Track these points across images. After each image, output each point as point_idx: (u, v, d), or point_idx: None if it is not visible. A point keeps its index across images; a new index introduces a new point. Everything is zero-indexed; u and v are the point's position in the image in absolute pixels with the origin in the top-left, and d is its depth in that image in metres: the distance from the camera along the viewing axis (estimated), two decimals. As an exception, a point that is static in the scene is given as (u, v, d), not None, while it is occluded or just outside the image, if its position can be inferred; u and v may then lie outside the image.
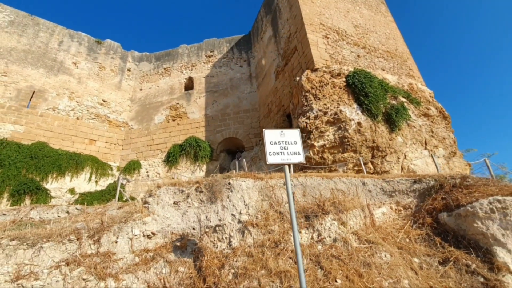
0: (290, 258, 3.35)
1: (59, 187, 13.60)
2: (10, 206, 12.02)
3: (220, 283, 3.05)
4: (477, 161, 9.61)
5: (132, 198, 13.71)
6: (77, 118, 15.81)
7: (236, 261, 3.32)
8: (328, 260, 3.40)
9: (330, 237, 3.83)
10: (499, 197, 3.82)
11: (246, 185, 4.21)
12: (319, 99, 10.64)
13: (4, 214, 8.33)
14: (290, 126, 12.23)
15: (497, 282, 3.20)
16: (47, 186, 13.15)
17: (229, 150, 16.85)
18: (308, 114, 10.43)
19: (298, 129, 3.13)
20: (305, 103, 10.75)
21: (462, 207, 4.08)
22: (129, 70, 19.22)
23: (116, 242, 3.28)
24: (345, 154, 9.71)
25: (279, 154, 2.89)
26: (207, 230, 3.77)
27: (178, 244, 3.50)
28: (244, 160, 9.02)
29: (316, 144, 9.88)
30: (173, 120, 17.14)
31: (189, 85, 18.69)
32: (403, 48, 15.94)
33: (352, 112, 10.33)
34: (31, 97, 14.91)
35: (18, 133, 13.82)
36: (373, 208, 4.81)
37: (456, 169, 10.88)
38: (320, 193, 4.63)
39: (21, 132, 13.91)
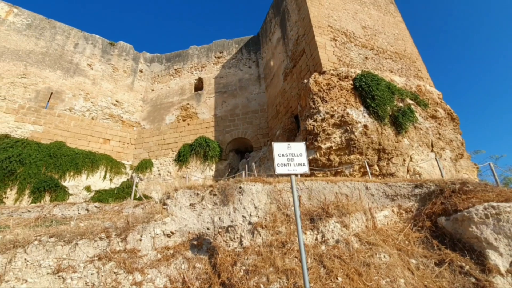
0: (295, 257, 3.70)
1: (76, 184, 14.27)
2: (32, 202, 12.74)
3: (233, 279, 3.41)
4: (483, 164, 9.70)
5: (145, 196, 14.27)
6: (92, 118, 16.45)
7: (247, 259, 3.68)
8: (330, 259, 3.73)
9: (333, 238, 4.15)
10: (494, 203, 4.06)
11: (255, 189, 4.56)
12: (326, 101, 10.87)
13: (29, 211, 8.95)
14: (297, 128, 12.49)
15: (487, 283, 3.47)
16: (65, 183, 13.82)
17: (238, 149, 17.23)
18: (315, 116, 10.68)
19: (304, 142, 3.44)
20: (313, 106, 11.00)
21: (459, 212, 4.33)
22: (141, 71, 19.78)
23: (141, 240, 3.68)
24: (352, 156, 9.94)
25: (286, 165, 3.22)
26: (220, 230, 4.14)
27: (194, 242, 3.88)
28: (254, 163, 9.36)
29: (323, 146, 10.14)
30: (184, 120, 17.62)
31: (199, 86, 19.12)
32: (412, 49, 15.94)
33: (358, 115, 10.53)
34: (49, 98, 15.60)
35: (38, 133, 14.53)
36: (375, 211, 5.09)
37: (463, 171, 10.98)
38: (325, 197, 4.94)
39: (40, 132, 14.61)
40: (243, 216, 4.26)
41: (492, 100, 51.83)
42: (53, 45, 16.91)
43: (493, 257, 3.69)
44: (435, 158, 8.66)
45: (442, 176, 7.49)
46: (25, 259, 3.33)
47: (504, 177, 14.56)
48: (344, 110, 10.54)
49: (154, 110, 18.54)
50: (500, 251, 3.70)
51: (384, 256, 3.96)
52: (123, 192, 14.89)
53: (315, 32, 12.60)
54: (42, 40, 16.68)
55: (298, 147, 3.30)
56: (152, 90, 19.46)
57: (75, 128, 15.71)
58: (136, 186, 14.75)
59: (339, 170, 9.83)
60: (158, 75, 19.97)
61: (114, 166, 15.92)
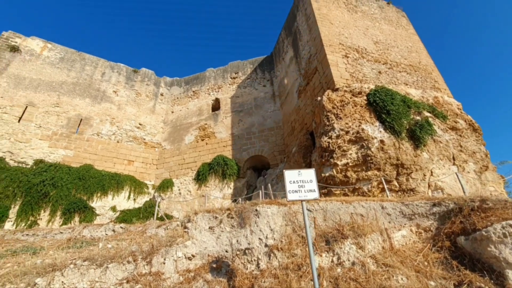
0: (311, 280, 3.78)
1: (103, 205, 15.00)
2: (62, 223, 13.53)
3: (251, 301, 3.56)
4: (510, 176, 9.30)
5: (167, 215, 14.72)
6: (118, 141, 17.43)
7: (263, 282, 3.82)
8: (346, 282, 3.79)
9: (348, 260, 4.20)
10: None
11: (271, 211, 4.74)
12: (340, 118, 10.97)
13: (61, 233, 9.57)
14: (313, 144, 12.59)
15: (509, 306, 3.38)
16: (93, 204, 14.59)
17: (255, 167, 17.47)
18: (330, 133, 10.78)
19: (313, 169, 3.63)
20: (327, 123, 11.13)
21: (478, 231, 4.25)
22: (161, 94, 20.88)
23: (164, 263, 3.94)
24: (369, 172, 9.86)
25: (297, 192, 3.41)
26: (238, 252, 4.33)
27: (214, 265, 4.08)
28: (271, 182, 9.52)
29: (339, 163, 10.16)
30: (202, 140, 18.21)
31: (216, 106, 19.82)
32: (427, 60, 15.80)
33: (374, 130, 10.51)
34: (79, 124, 16.79)
35: (68, 157, 15.58)
36: (392, 231, 5.08)
37: (488, 184, 10.51)
38: (340, 218, 5.02)
39: (71, 156, 15.67)
40: (259, 238, 4.42)
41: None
42: (82, 75, 18.36)
43: (515, 279, 3.59)
44: (456, 173, 8.42)
45: (464, 192, 7.30)
46: (62, 281, 3.68)
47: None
48: (359, 126, 10.57)
49: (174, 131, 19.35)
50: (522, 273, 3.60)
51: (402, 278, 3.95)
52: (146, 212, 15.46)
53: (326, 50, 12.90)
54: (73, 71, 18.17)
55: (308, 174, 3.49)
56: (172, 112, 20.40)
57: (102, 151, 16.69)
58: (158, 206, 15.27)
59: (357, 187, 9.76)
60: (177, 98, 20.96)
61: (137, 186, 16.63)
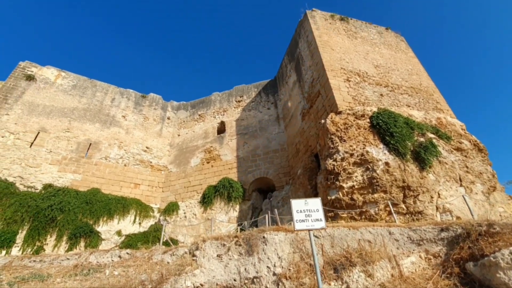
0: (320, 310, 3.76)
1: (108, 229, 14.98)
2: (68, 248, 13.49)
3: (260, 333, 3.54)
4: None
5: (172, 240, 14.59)
6: (125, 165, 17.70)
7: (273, 312, 3.81)
8: (356, 312, 3.75)
9: (357, 289, 4.17)
10: (522, 249, 3.96)
11: (278, 239, 4.78)
12: (344, 141, 11.12)
13: (67, 259, 9.56)
14: (318, 166, 12.66)
15: None
16: (98, 228, 14.59)
17: (261, 189, 17.44)
18: (334, 156, 10.89)
19: (319, 198, 3.73)
20: (331, 146, 11.27)
21: (486, 257, 4.22)
22: (168, 118, 21.42)
23: (173, 293, 3.98)
24: (375, 195, 9.83)
25: (304, 221, 3.49)
26: (246, 281, 4.33)
27: (222, 294, 4.10)
28: (277, 204, 9.53)
29: (344, 185, 10.18)
30: (208, 163, 18.39)
31: (221, 129, 20.19)
32: (428, 82, 16.12)
33: (379, 152, 10.60)
34: (88, 149, 17.18)
35: (77, 181, 15.82)
36: (401, 257, 5.05)
37: (497, 205, 10.35)
38: (347, 244, 5.02)
39: (79, 180, 15.90)
40: (267, 266, 4.44)
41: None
42: (93, 101, 19.05)
43: (529, 309, 3.53)
44: (463, 196, 8.37)
45: (472, 215, 7.24)
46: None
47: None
48: (364, 148, 10.68)
49: (180, 154, 19.62)
50: (536, 302, 3.54)
51: (412, 308, 3.90)
52: (151, 236, 15.35)
53: (328, 75, 13.32)
54: (84, 98, 18.88)
55: (315, 203, 3.59)
56: (178, 135, 20.80)
57: (110, 174, 16.93)
58: (164, 231, 15.21)
59: (363, 210, 9.70)
60: (184, 121, 21.46)
61: (143, 210, 16.64)
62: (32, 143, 15.63)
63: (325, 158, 11.35)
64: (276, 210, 8.64)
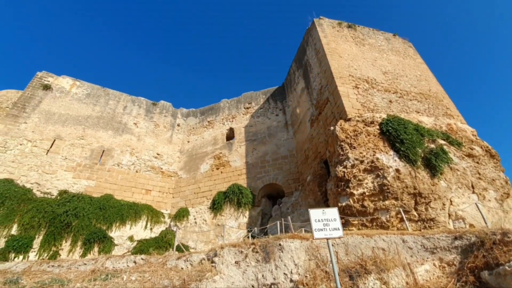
0: (338, 316, 3.87)
1: (121, 235, 15.27)
2: (82, 253, 13.81)
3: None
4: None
5: (183, 245, 14.78)
6: (136, 171, 18.07)
7: (291, 318, 3.94)
8: (373, 319, 3.85)
9: (373, 296, 4.27)
10: (538, 259, 4.01)
11: (294, 246, 4.91)
12: (354, 148, 11.20)
13: (85, 264, 9.83)
14: (328, 173, 12.73)
15: None
16: (111, 234, 14.89)
17: (270, 195, 17.55)
18: (344, 163, 10.97)
19: (336, 208, 3.88)
20: (341, 153, 11.36)
21: (501, 265, 4.27)
22: (178, 125, 21.81)
23: (195, 298, 4.15)
24: (386, 202, 9.85)
25: (322, 230, 3.64)
26: (264, 287, 4.48)
27: (242, 301, 4.24)
28: (287, 210, 9.65)
29: (355, 192, 10.23)
30: (217, 169, 18.62)
31: (230, 135, 20.45)
32: (437, 87, 16.11)
33: (389, 159, 10.64)
34: (101, 155, 17.62)
35: (91, 187, 16.22)
36: (415, 265, 5.12)
37: (511, 212, 10.24)
38: (362, 252, 5.12)
39: (93, 186, 16.30)
40: (284, 273, 4.58)
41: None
42: (106, 109, 19.58)
43: (547, 319, 3.57)
44: (476, 203, 8.35)
45: (486, 223, 7.23)
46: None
47: None
48: (374, 155, 10.74)
49: (190, 160, 19.92)
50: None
51: (428, 316, 3.98)
52: (161, 241, 15.59)
53: (337, 82, 13.46)
54: (98, 106, 19.43)
55: (332, 213, 3.73)
56: (188, 141, 21.14)
57: (122, 181, 17.30)
58: (173, 234, 15.43)
59: (375, 217, 9.73)
60: (193, 128, 21.82)
61: (154, 215, 16.92)
62: (48, 150, 16.14)
63: (335, 165, 11.44)
64: (289, 217, 8.75)
